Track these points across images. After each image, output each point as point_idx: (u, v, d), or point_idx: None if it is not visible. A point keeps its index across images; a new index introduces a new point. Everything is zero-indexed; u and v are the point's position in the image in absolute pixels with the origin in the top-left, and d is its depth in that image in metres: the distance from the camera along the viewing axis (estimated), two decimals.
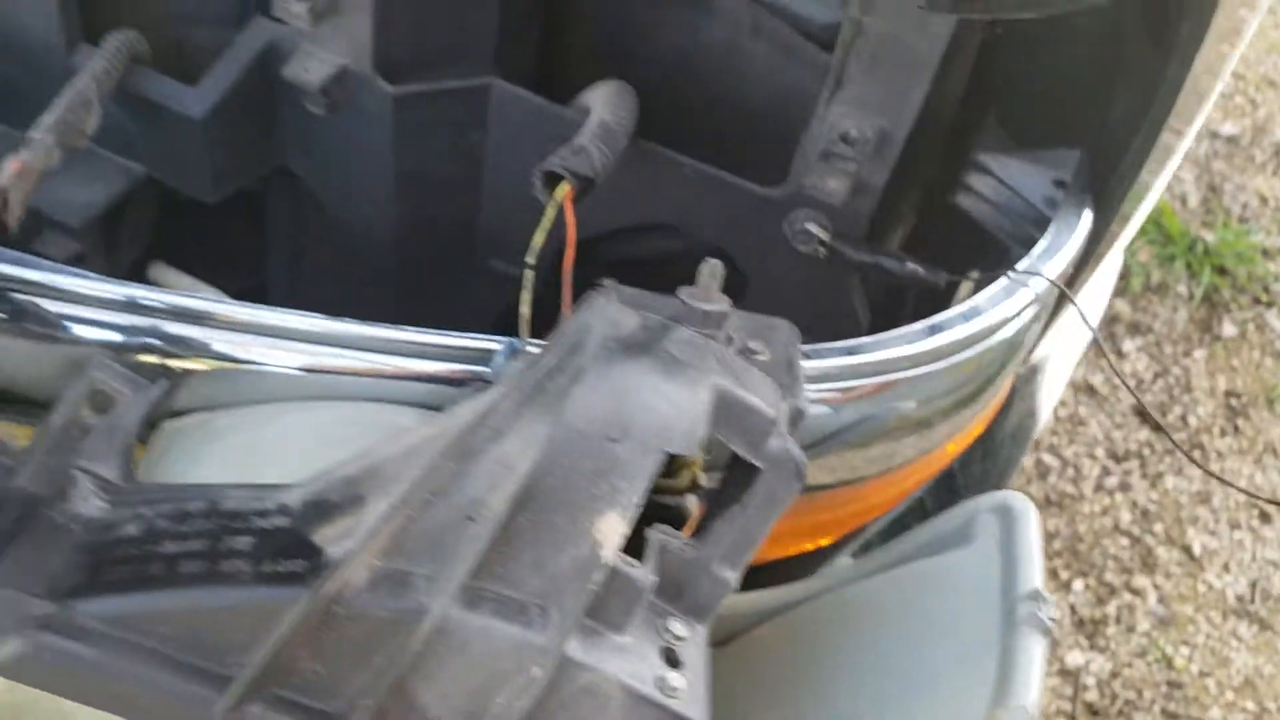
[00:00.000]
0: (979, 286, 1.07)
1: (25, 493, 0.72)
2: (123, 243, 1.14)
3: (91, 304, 0.86)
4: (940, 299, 1.15)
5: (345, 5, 1.01)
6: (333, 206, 1.20)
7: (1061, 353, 1.48)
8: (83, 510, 0.73)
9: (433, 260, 1.24)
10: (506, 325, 0.94)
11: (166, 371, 0.87)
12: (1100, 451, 2.68)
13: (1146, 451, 2.72)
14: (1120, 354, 2.90)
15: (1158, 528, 2.56)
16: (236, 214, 1.22)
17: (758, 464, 0.74)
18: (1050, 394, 1.53)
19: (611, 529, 0.68)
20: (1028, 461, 2.59)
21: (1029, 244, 1.09)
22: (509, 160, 1.15)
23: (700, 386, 0.72)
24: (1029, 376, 1.38)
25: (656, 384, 0.71)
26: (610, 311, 0.75)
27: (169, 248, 1.21)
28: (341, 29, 1.03)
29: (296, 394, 0.90)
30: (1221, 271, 3.05)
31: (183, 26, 1.09)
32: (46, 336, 0.87)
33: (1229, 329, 2.97)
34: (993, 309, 1.00)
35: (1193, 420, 2.78)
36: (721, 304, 0.79)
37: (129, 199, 1.12)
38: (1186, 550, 2.54)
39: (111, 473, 0.78)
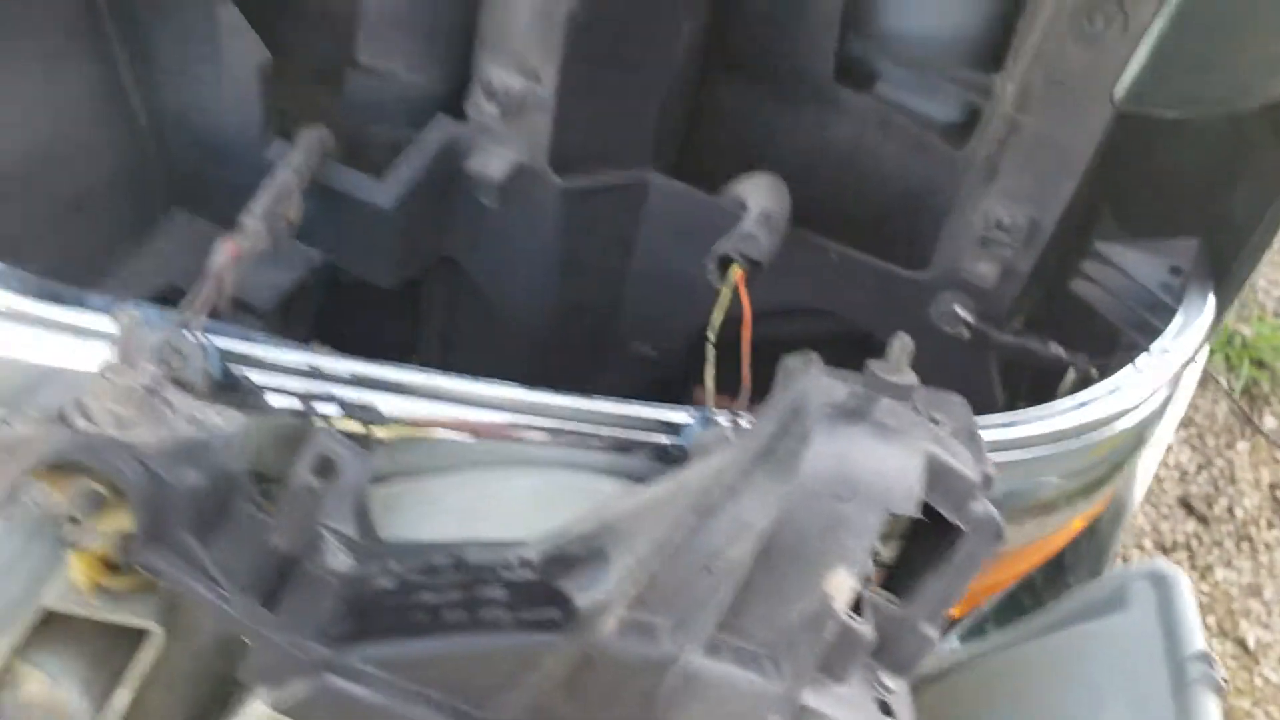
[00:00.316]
0: (1108, 369, 1.13)
1: (283, 551, 0.78)
2: (296, 325, 1.21)
3: (311, 377, 0.93)
4: (1051, 380, 1.20)
5: (529, 107, 1.09)
6: (491, 291, 1.27)
7: (1153, 440, 1.53)
8: (334, 565, 0.79)
9: (578, 343, 1.31)
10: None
11: (373, 439, 0.93)
12: (1148, 543, 2.69)
13: (1194, 543, 2.73)
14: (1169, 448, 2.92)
15: (1210, 620, 2.55)
16: (392, 300, 1.29)
17: (962, 526, 0.79)
18: (1143, 479, 1.57)
19: (842, 584, 0.73)
20: None
21: (1142, 328, 1.15)
22: (659, 248, 1.23)
23: (914, 451, 0.77)
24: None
25: (876, 448, 0.76)
26: (823, 381, 0.81)
27: (327, 329, 1.28)
28: (522, 128, 1.11)
29: (492, 459, 0.95)
30: (1260, 365, 3.09)
31: (363, 122, 1.17)
32: (266, 408, 0.93)
33: (1270, 421, 3.01)
34: (1132, 387, 1.06)
35: (1239, 512, 2.80)
36: (910, 378, 0.85)
37: (306, 284, 1.19)
38: (1240, 643, 2.53)
39: (351, 530, 0.83)
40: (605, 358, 1.32)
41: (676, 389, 1.30)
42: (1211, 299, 1.16)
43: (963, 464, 0.81)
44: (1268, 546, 2.79)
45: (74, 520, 0.67)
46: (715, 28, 1.20)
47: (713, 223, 1.12)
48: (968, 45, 1.26)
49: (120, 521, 0.70)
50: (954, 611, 1.08)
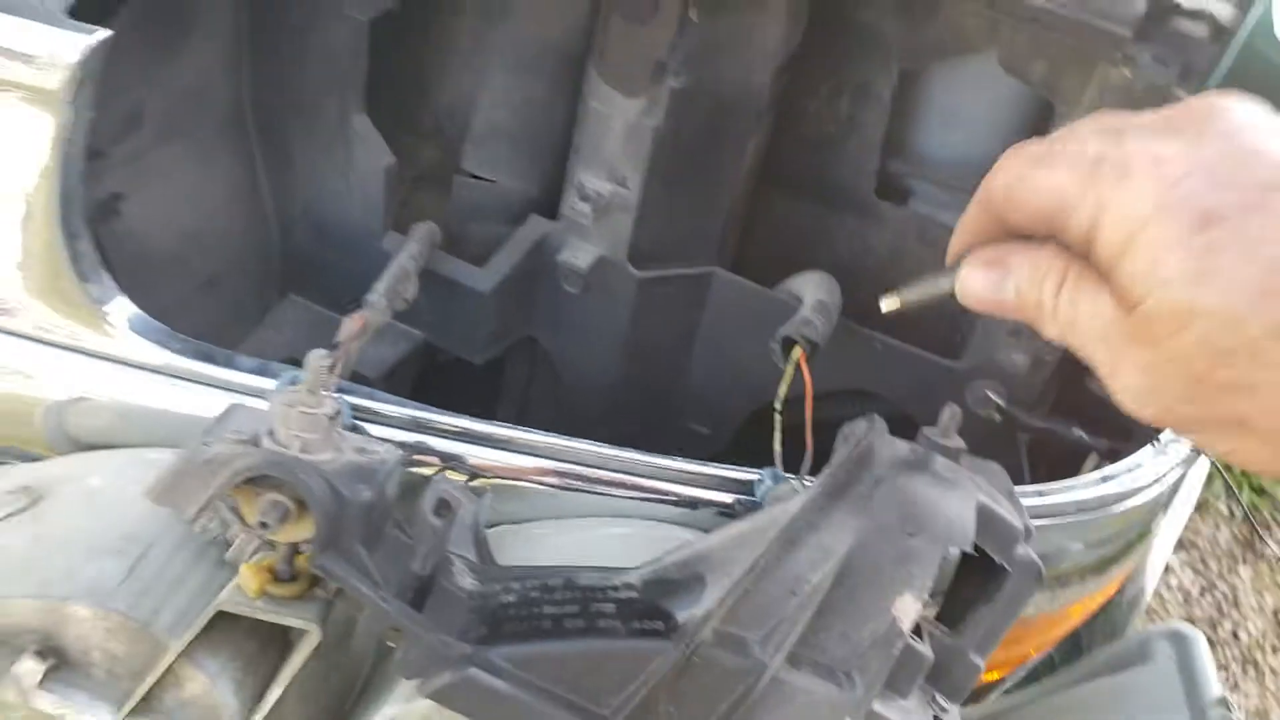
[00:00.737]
0: (1119, 454, 1.26)
1: (421, 571, 0.90)
2: (396, 395, 1.35)
3: (429, 431, 1.06)
4: (1072, 462, 1.33)
5: (614, 208, 1.24)
6: (565, 368, 1.41)
7: (1166, 525, 1.65)
8: (464, 584, 0.91)
9: (638, 418, 1.44)
10: None
11: (481, 489, 1.06)
12: None
13: None
14: (1166, 568, 2.99)
15: None
16: (474, 375, 1.43)
17: (1007, 567, 0.91)
18: (1157, 563, 1.69)
19: (909, 608, 0.85)
20: None
21: None
22: (719, 335, 1.37)
23: (969, 499, 0.90)
24: None
25: (938, 494, 0.89)
26: (885, 439, 0.94)
27: (419, 400, 1.41)
28: (606, 226, 1.26)
29: (584, 510, 1.08)
30: (1260, 491, 3.18)
31: (464, 220, 1.33)
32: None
33: (1273, 547, 3.09)
34: (1151, 464, 1.19)
35: (1244, 636, 2.85)
36: (958, 442, 0.98)
37: (408, 359, 1.33)
38: None
39: (473, 557, 0.95)
40: (661, 432, 1.45)
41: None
42: None
43: (1009, 513, 0.94)
44: (1274, 671, 2.83)
45: (264, 525, 0.80)
46: (771, 146, 1.37)
47: (769, 314, 1.27)
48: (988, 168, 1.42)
49: (299, 532, 0.82)
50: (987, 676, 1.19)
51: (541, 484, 1.06)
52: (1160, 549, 1.68)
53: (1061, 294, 0.58)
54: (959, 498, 0.90)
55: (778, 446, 1.10)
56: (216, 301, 1.29)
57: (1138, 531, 1.26)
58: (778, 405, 1.11)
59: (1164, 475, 1.20)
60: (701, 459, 1.41)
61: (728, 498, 1.08)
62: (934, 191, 1.45)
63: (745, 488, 1.08)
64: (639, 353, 1.38)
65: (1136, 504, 1.18)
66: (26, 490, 0.98)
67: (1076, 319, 0.57)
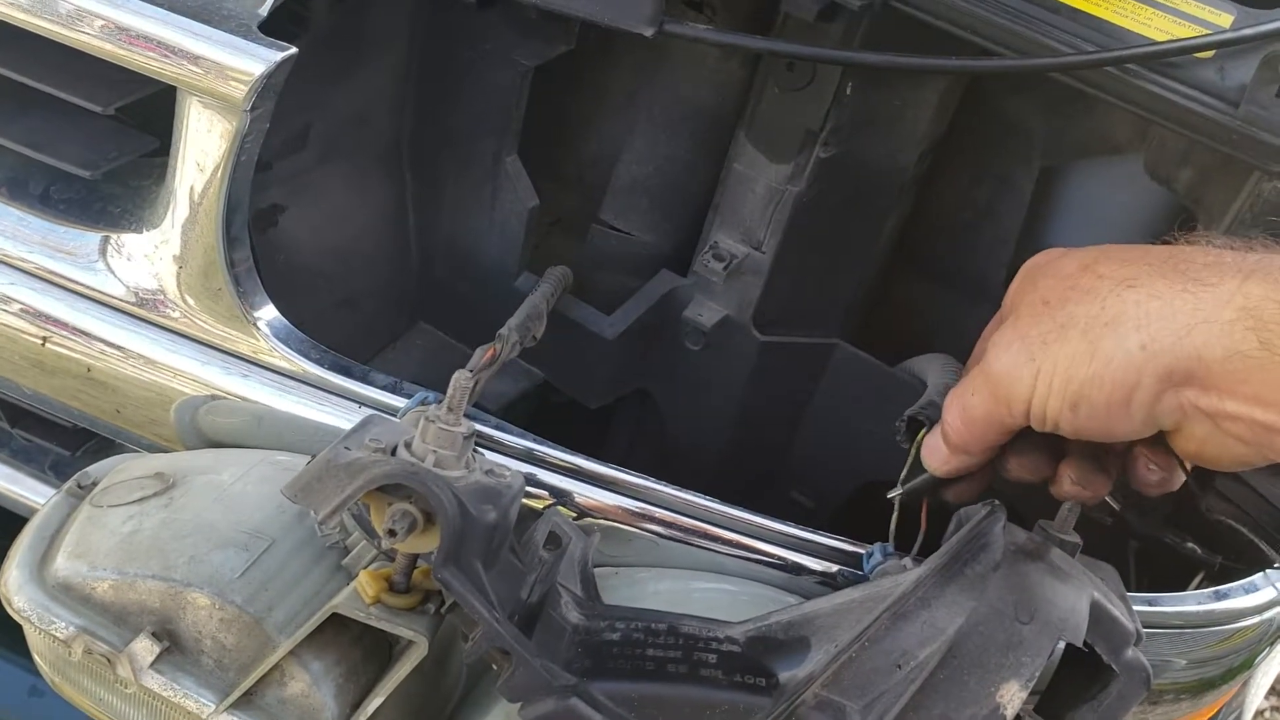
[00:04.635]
0: (1230, 574, 1.22)
1: (531, 599, 0.91)
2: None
3: (542, 465, 1.08)
4: (1181, 576, 1.30)
5: (746, 269, 1.26)
6: (674, 424, 1.42)
7: (1269, 660, 1.60)
8: (570, 616, 0.92)
9: (742, 483, 1.44)
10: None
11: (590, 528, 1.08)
12: None
13: None
14: (1257, 712, 2.89)
15: None
16: (584, 421, 1.45)
17: (1115, 669, 0.90)
18: (1252, 700, 1.63)
19: (1014, 696, 0.84)
20: None
21: (1275, 545, 1.25)
22: (833, 406, 1.37)
23: (1084, 593, 0.89)
24: None
25: (1053, 584, 0.89)
26: (1003, 524, 0.94)
27: None
28: (735, 287, 1.28)
29: (686, 561, 1.09)
30: None
31: (595, 268, 1.36)
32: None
33: None
34: (1265, 588, 1.15)
35: None
36: (1075, 538, 0.97)
37: (525, 396, 1.36)
38: None
39: (579, 592, 0.97)
40: (763, 499, 1.45)
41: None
42: None
43: (1121, 615, 0.92)
44: None
45: (391, 533, 0.82)
46: (908, 227, 1.38)
47: (890, 392, 1.27)
48: None
49: (423, 544, 0.85)
50: None
51: (646, 531, 1.08)
52: (1259, 684, 1.62)
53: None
54: (1074, 590, 0.90)
55: (893, 525, 1.09)
56: (352, 319, 1.34)
57: (1242, 658, 1.22)
58: (899, 488, 1.10)
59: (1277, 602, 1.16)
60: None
61: (832, 568, 1.08)
62: None
63: (851, 559, 1.07)
64: (751, 416, 1.39)
65: (1246, 625, 1.15)
66: (160, 476, 1.02)
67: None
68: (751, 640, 0.90)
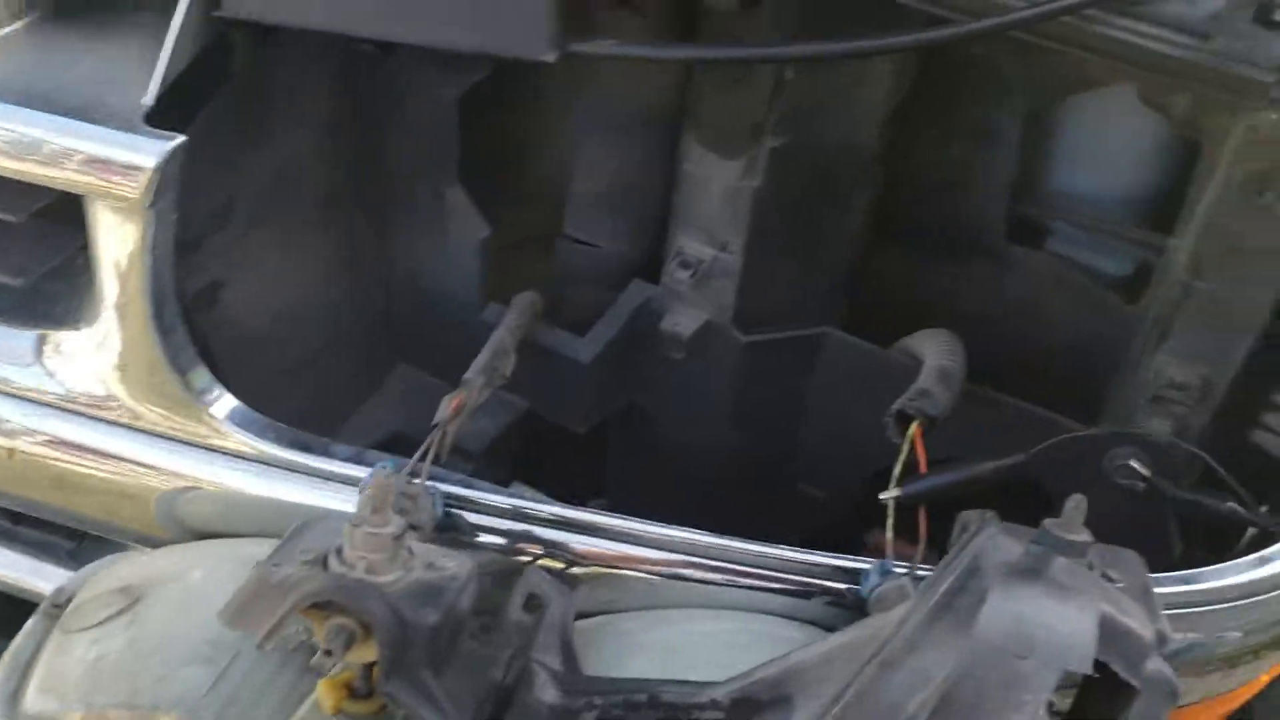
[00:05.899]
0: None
1: (504, 684, 0.87)
2: (500, 465, 1.33)
3: (519, 519, 1.03)
4: (1230, 533, 1.20)
5: (717, 273, 1.19)
6: (672, 435, 1.36)
7: None
8: (545, 698, 0.87)
9: (751, 482, 1.38)
10: (816, 542, 1.05)
11: (575, 578, 1.03)
12: None
13: None
14: None
15: None
16: (581, 441, 1.39)
17: (1136, 685, 0.82)
18: None
19: None
20: None
21: None
22: (833, 397, 1.30)
23: (1089, 610, 0.81)
24: None
25: (1053, 607, 0.81)
26: (999, 539, 0.86)
27: (528, 469, 1.39)
28: (710, 291, 1.21)
29: (680, 600, 1.03)
30: None
31: (568, 285, 1.30)
32: (481, 546, 1.04)
33: None
34: None
35: None
36: (1084, 535, 0.89)
37: (511, 429, 1.31)
38: None
39: (557, 664, 0.92)
40: (777, 497, 1.38)
41: (847, 530, 1.35)
42: None
43: (1137, 623, 0.84)
44: None
45: (328, 653, 0.78)
46: (886, 196, 1.29)
47: (886, 376, 1.19)
48: (1137, 206, 1.31)
49: (367, 654, 0.80)
50: None
51: (640, 572, 1.02)
52: None
53: None
54: (1078, 609, 0.82)
55: (889, 534, 1.02)
56: (323, 377, 1.30)
57: None
58: (891, 490, 1.03)
59: None
60: (820, 525, 1.35)
61: (840, 585, 1.01)
62: (1071, 231, 1.34)
63: (854, 577, 1.01)
64: (748, 417, 1.32)
65: None
66: (126, 591, 1.00)
67: None
68: (736, 703, 0.84)
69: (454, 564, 0.85)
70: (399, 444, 1.22)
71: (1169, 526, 1.19)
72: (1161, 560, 1.12)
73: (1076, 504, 0.90)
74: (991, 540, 0.86)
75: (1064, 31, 0.92)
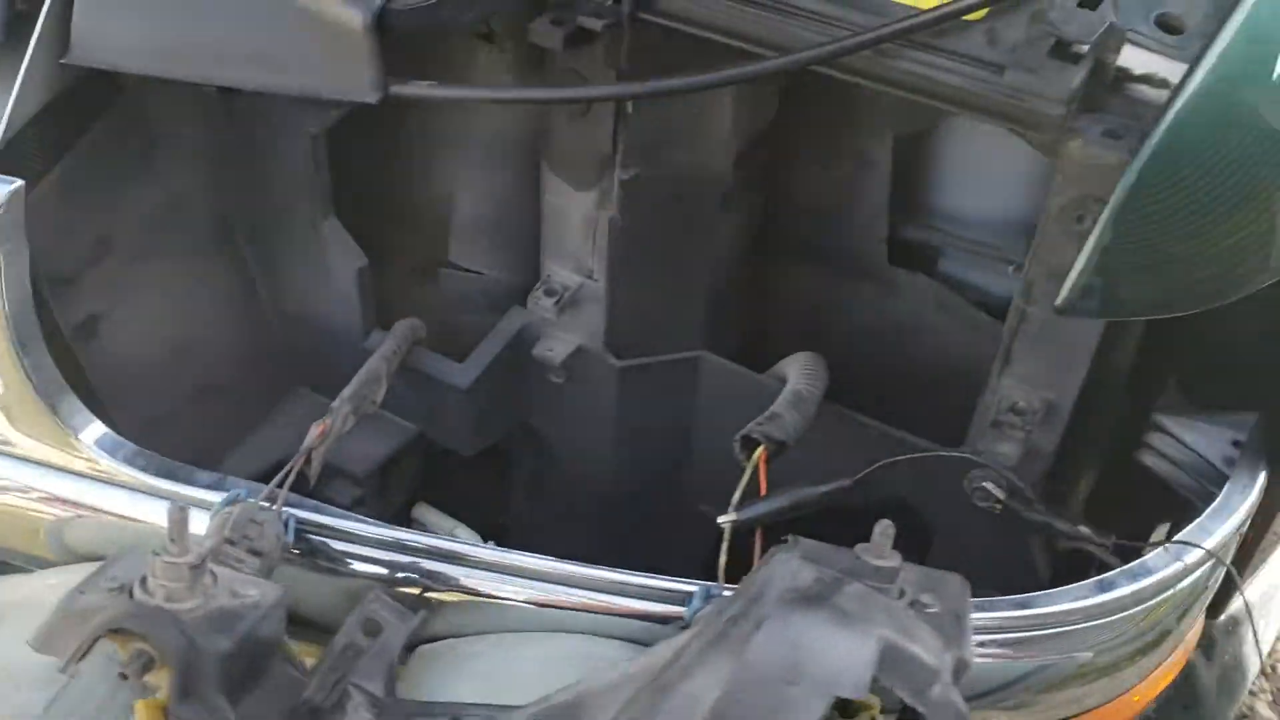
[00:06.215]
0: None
1: (312, 704, 0.90)
2: (394, 488, 1.36)
3: (369, 544, 1.06)
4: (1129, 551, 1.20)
5: (583, 299, 1.22)
6: (565, 457, 1.39)
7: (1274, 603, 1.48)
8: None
9: (647, 502, 1.40)
10: (714, 564, 1.07)
11: (425, 602, 1.05)
12: None
13: None
14: None
15: None
16: (486, 463, 1.42)
17: (921, 710, 0.83)
18: (1261, 644, 1.51)
19: None
20: None
21: (1207, 500, 1.14)
22: (715, 419, 1.32)
23: (868, 637, 0.83)
24: (1230, 628, 1.39)
25: (829, 634, 0.82)
26: (791, 565, 0.87)
27: (431, 492, 1.42)
28: (579, 318, 1.24)
29: (528, 624, 1.06)
30: None
31: (454, 312, 1.33)
32: (332, 571, 1.07)
33: None
34: (1160, 571, 1.06)
35: None
36: (893, 560, 0.90)
37: (402, 452, 1.34)
38: None
39: (378, 689, 0.94)
40: (673, 516, 1.40)
41: (749, 545, 1.37)
42: (1263, 478, 1.15)
43: (926, 650, 0.85)
44: None
45: (123, 676, 0.81)
46: (775, 217, 1.31)
47: (759, 399, 1.20)
48: (1017, 229, 1.31)
49: (164, 678, 0.84)
50: None
51: (481, 598, 1.05)
52: (1262, 627, 1.51)
53: None
54: (856, 637, 0.83)
55: (723, 557, 1.04)
56: (215, 405, 1.34)
57: (1159, 631, 1.12)
58: (728, 515, 1.05)
59: (1173, 579, 1.06)
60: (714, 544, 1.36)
61: (679, 610, 1.03)
62: (962, 255, 1.35)
63: (685, 601, 1.03)
64: (634, 439, 1.34)
65: (1142, 610, 1.06)
66: None
67: None
68: None
69: (257, 592, 0.88)
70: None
71: (1031, 548, 1.20)
72: (1032, 583, 1.13)
73: (883, 529, 0.92)
74: (784, 566, 0.88)
75: (866, 66, 0.94)
